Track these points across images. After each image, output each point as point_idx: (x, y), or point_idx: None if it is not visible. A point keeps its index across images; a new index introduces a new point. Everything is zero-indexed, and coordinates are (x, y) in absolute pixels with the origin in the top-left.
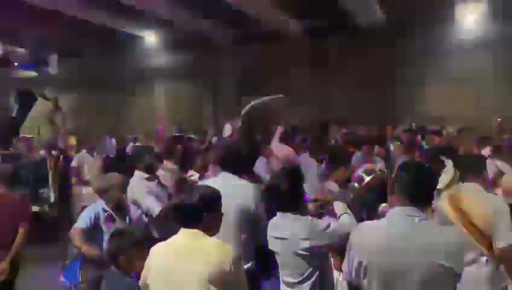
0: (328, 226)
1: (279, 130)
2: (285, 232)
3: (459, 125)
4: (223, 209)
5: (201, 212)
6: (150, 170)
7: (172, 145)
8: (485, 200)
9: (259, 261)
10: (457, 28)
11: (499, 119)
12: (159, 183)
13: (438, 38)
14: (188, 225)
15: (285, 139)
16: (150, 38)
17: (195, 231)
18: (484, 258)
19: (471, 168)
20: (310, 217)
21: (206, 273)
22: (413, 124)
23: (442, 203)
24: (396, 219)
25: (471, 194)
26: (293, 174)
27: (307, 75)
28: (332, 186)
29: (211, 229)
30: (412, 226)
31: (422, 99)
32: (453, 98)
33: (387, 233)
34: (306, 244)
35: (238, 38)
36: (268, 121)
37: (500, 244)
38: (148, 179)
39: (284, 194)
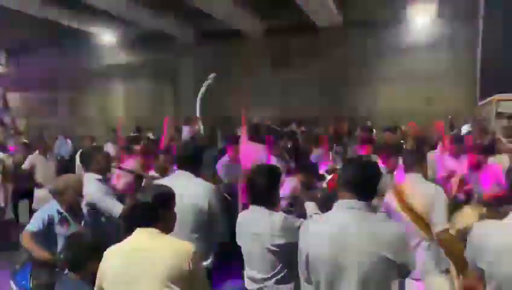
0: (301, 224)
1: (244, 129)
2: (258, 227)
3: (414, 121)
4: (178, 208)
5: (157, 211)
6: (102, 172)
7: (130, 146)
8: (424, 189)
9: (218, 258)
10: (410, 29)
11: (449, 117)
12: (110, 185)
13: (391, 39)
14: (144, 224)
15: (254, 138)
16: (107, 36)
17: (151, 229)
18: (426, 243)
19: (413, 161)
20: (284, 214)
21: (165, 272)
22: (369, 122)
23: (388, 195)
24: (339, 212)
25: (413, 183)
26: (271, 171)
27: (268, 74)
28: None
29: (167, 227)
30: (354, 218)
31: (377, 98)
32: (406, 97)
33: (330, 226)
34: (279, 240)
35: (200, 37)
36: (231, 120)
37: (436, 228)
38: (99, 180)
39: (261, 189)
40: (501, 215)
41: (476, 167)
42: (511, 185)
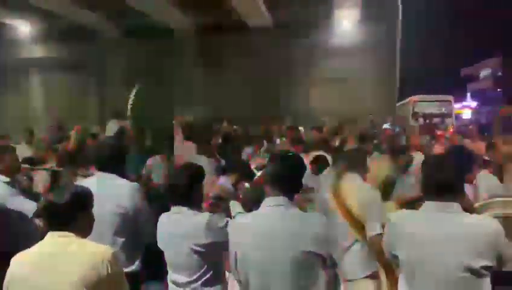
0: (226, 224)
1: (178, 129)
2: (181, 228)
3: (338, 122)
4: (98, 210)
5: (72, 212)
6: (10, 173)
7: (52, 145)
8: (360, 191)
9: (145, 262)
10: (336, 32)
11: (370, 115)
12: (21, 187)
13: (319, 41)
14: (58, 227)
15: (187, 137)
16: (25, 27)
17: (65, 233)
18: (359, 244)
19: (352, 162)
20: (208, 214)
21: (80, 279)
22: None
23: (325, 193)
24: (266, 209)
25: (350, 185)
26: (195, 171)
27: (199, 73)
28: (223, 181)
29: (84, 230)
30: (280, 215)
31: (307, 98)
32: (332, 97)
33: (257, 224)
34: (203, 240)
35: (126, 31)
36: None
37: (369, 233)
38: (8, 183)
39: (182, 189)
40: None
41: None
42: (425, 181)
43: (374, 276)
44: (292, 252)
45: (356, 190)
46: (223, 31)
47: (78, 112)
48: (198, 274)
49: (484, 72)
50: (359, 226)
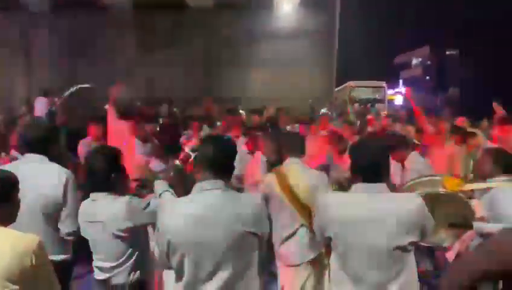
0: (148, 204)
1: (111, 109)
2: (102, 214)
3: (278, 106)
4: (28, 198)
5: None
6: None
7: None
8: (305, 175)
9: (79, 249)
10: (276, 15)
11: (310, 100)
12: None
13: (260, 23)
14: None
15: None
16: None
17: None
18: (304, 229)
19: (293, 146)
20: (128, 197)
21: (1, 271)
22: (239, 105)
23: (269, 178)
24: (202, 192)
25: (294, 169)
26: (109, 153)
27: (135, 53)
28: (157, 164)
29: (7, 218)
30: (217, 198)
31: (248, 81)
32: (272, 80)
33: (192, 207)
34: (125, 225)
35: (57, 5)
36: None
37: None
38: None
39: (100, 174)
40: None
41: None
42: (353, 164)
43: (316, 261)
44: (228, 233)
45: (302, 174)
46: (162, 10)
47: (2, 92)
48: (123, 259)
49: (415, 61)
50: (305, 210)
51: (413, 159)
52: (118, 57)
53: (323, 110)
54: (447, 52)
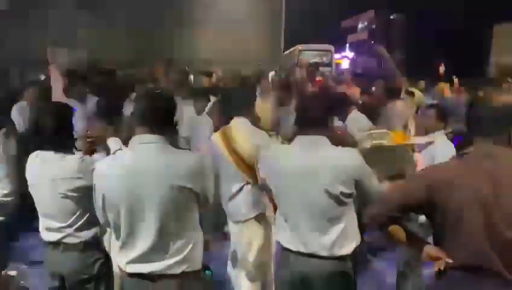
0: None
1: (54, 70)
2: (51, 172)
3: (227, 67)
4: None
5: None
6: None
7: None
8: (250, 134)
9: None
10: None
11: (259, 64)
12: None
13: None
14: None
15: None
16: None
17: None
18: (249, 186)
19: (239, 105)
20: (79, 155)
21: None
22: (187, 67)
23: (214, 138)
24: (134, 147)
25: (240, 129)
26: (58, 110)
27: (73, 12)
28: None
29: None
30: (149, 152)
31: (193, 41)
32: (219, 41)
33: (127, 162)
34: (76, 184)
35: None
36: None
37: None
38: None
39: (48, 131)
40: None
41: None
42: (296, 115)
43: (261, 216)
44: (161, 186)
45: (246, 133)
46: None
47: None
48: (72, 219)
49: (361, 25)
50: (250, 169)
51: (355, 117)
52: (55, 19)
53: (271, 73)
54: (391, 16)
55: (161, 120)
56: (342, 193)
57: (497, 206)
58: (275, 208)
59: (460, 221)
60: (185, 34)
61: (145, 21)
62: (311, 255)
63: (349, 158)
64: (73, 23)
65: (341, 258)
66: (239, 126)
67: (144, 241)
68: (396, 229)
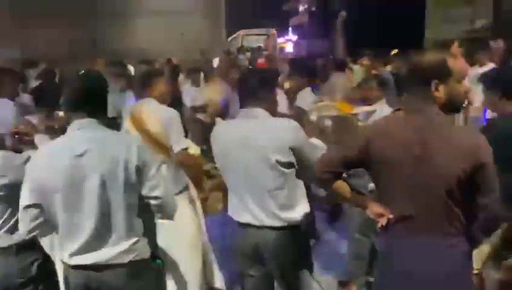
0: (28, 159)
1: None
2: None
3: (166, 57)
4: None
5: None
6: None
7: None
8: (157, 111)
9: None
10: None
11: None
12: None
13: None
14: None
15: None
16: None
17: None
18: (165, 165)
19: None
20: (3, 151)
21: None
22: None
23: (126, 121)
24: (73, 133)
25: (148, 107)
26: None
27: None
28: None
29: None
30: (86, 138)
31: (132, 32)
32: (160, 31)
33: (67, 150)
34: (1, 181)
35: None
36: None
37: (175, 149)
38: None
39: None
40: None
41: None
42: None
43: (185, 190)
44: (109, 176)
45: (153, 112)
46: None
47: None
48: (2, 220)
49: (301, 8)
50: (162, 147)
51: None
52: None
53: (216, 59)
54: None
55: (94, 102)
56: (278, 161)
57: (426, 159)
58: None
59: (392, 173)
60: (120, 25)
61: (79, 11)
62: (260, 227)
63: (283, 127)
64: (3, 22)
65: (290, 227)
66: (145, 106)
67: (86, 230)
68: (341, 185)
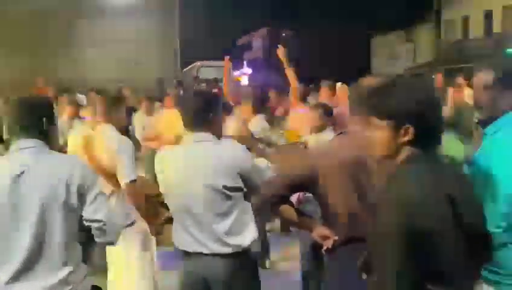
0: None
1: None
2: None
3: (120, 86)
4: None
5: None
6: None
7: None
8: (110, 139)
9: None
10: None
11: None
12: None
13: (94, 1)
14: None
15: None
16: None
17: None
18: (116, 195)
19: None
20: None
21: None
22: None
23: (76, 145)
24: (14, 154)
25: (100, 136)
26: None
27: None
28: None
29: None
30: (30, 157)
31: (82, 61)
32: (112, 59)
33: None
34: None
35: None
36: None
37: (122, 181)
38: None
39: None
40: None
41: None
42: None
43: (133, 224)
44: (43, 199)
45: (105, 140)
46: None
47: None
48: None
49: (256, 43)
50: (111, 177)
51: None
52: None
53: (169, 90)
54: (283, 34)
55: (32, 125)
56: (224, 186)
57: (365, 174)
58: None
59: (336, 194)
60: (69, 53)
61: (28, 40)
62: (207, 255)
63: (230, 151)
64: None
65: (237, 254)
66: (101, 133)
67: (18, 257)
68: (287, 209)
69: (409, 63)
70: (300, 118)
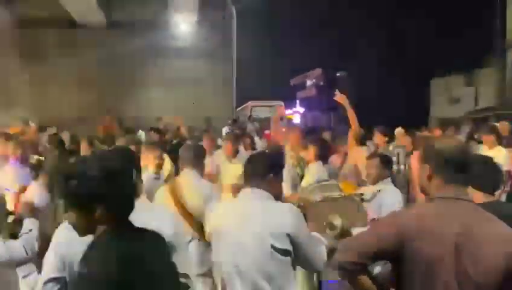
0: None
1: None
2: None
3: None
4: None
5: None
6: None
7: None
8: (196, 188)
9: None
10: (173, 34)
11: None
12: None
13: (155, 42)
14: None
15: None
16: None
17: None
18: (197, 241)
19: (186, 158)
20: None
21: None
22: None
23: (162, 193)
24: None
25: (188, 180)
26: None
27: (18, 71)
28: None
29: None
30: None
31: (145, 99)
32: (171, 99)
33: None
34: None
35: None
36: None
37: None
38: None
39: None
40: None
41: None
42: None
43: (208, 274)
44: None
45: (192, 186)
46: (49, 27)
47: None
48: None
49: (309, 82)
50: (196, 222)
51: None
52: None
53: (225, 129)
54: (337, 74)
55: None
56: (273, 246)
57: (467, 253)
58: None
59: (431, 269)
60: (136, 92)
61: (96, 78)
62: None
63: (283, 213)
64: (20, 81)
65: None
66: (186, 178)
67: None
68: (366, 280)
69: (470, 107)
70: (361, 158)
